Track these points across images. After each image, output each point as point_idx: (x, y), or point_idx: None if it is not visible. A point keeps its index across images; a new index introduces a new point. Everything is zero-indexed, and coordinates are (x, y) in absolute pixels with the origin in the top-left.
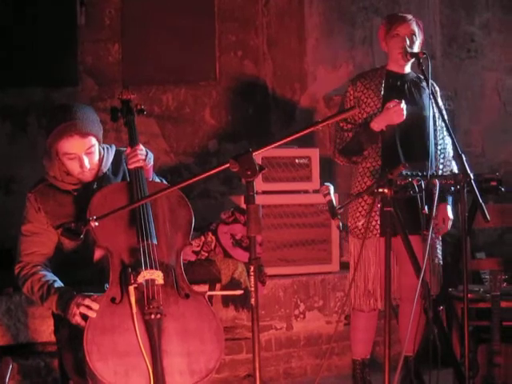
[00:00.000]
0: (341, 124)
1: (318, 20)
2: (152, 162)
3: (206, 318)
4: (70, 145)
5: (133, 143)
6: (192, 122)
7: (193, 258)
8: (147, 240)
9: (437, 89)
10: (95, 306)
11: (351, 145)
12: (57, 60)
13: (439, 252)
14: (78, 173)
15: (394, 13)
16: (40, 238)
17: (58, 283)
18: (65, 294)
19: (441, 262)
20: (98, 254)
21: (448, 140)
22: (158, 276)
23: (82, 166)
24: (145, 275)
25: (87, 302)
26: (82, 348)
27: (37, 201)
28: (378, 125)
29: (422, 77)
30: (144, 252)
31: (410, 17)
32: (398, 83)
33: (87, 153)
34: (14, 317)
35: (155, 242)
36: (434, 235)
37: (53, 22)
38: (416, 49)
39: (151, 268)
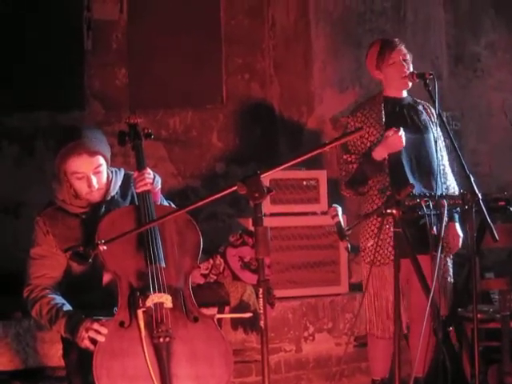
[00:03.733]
0: (344, 156)
1: (325, 42)
2: (160, 186)
3: (215, 341)
4: (79, 163)
5: (140, 167)
6: (199, 145)
7: (201, 281)
8: (155, 263)
9: (432, 111)
10: (104, 330)
11: (356, 176)
12: (64, 84)
13: (451, 271)
14: (85, 193)
15: (378, 40)
16: (49, 261)
17: (67, 307)
18: (73, 318)
19: (452, 280)
20: (106, 277)
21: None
22: (166, 299)
23: (89, 185)
24: (153, 299)
25: (96, 326)
26: (91, 372)
27: (45, 224)
28: (379, 154)
29: (418, 100)
30: (152, 275)
31: (397, 40)
32: (397, 108)
33: (95, 172)
34: (23, 341)
35: (163, 265)
36: (443, 255)
37: (60, 46)
38: (411, 68)
39: (160, 291)
